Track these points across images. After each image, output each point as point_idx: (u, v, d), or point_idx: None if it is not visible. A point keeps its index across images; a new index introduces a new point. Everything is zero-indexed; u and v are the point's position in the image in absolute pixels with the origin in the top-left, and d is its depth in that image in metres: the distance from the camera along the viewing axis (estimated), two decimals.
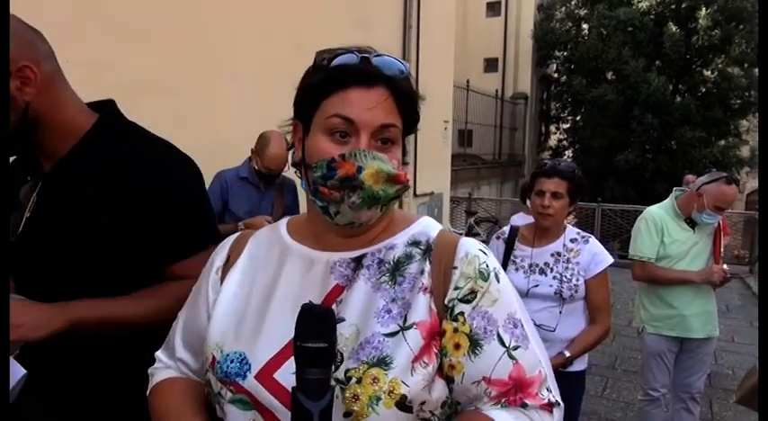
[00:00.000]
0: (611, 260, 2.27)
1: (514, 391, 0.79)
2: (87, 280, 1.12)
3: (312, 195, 0.83)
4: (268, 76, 4.10)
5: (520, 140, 16.22)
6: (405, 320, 0.80)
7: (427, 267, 0.84)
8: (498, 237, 2.45)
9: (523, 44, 16.05)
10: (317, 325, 0.68)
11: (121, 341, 1.12)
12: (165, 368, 0.96)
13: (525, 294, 2.20)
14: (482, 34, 15.88)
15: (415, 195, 7.26)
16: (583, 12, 15.57)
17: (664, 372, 2.96)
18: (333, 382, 0.75)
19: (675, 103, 14.05)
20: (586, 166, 12.69)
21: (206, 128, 3.82)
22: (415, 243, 0.88)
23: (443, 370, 0.81)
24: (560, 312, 2.21)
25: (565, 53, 15.78)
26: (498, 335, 0.80)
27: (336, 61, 0.81)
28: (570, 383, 2.08)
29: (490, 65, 16.27)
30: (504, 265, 2.29)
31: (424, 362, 0.78)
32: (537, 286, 2.24)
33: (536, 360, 0.82)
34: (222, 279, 0.92)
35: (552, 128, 17.98)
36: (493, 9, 16.29)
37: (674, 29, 13.45)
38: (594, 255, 2.25)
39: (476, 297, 0.82)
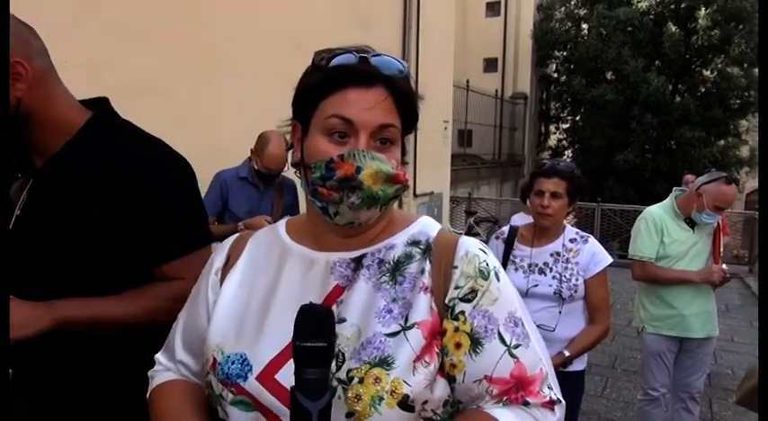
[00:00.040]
0: (610, 260, 2.28)
1: (516, 390, 0.79)
2: (78, 278, 1.11)
3: (311, 196, 0.83)
4: (268, 76, 4.10)
5: (519, 140, 16.21)
6: (406, 320, 0.80)
7: (427, 267, 0.84)
8: (497, 237, 2.45)
9: (523, 44, 16.04)
10: (315, 325, 0.68)
11: (113, 341, 1.11)
12: (164, 370, 0.96)
13: (525, 294, 2.20)
14: (482, 34, 15.87)
15: (415, 195, 7.27)
16: (582, 12, 15.53)
17: (663, 372, 2.96)
18: (335, 383, 0.76)
19: (675, 102, 14.03)
20: (586, 166, 12.69)
21: (206, 128, 3.82)
22: (415, 242, 0.87)
23: (445, 369, 0.81)
24: (560, 312, 2.21)
25: (564, 53, 15.75)
26: (499, 334, 0.80)
27: (335, 61, 0.81)
28: (570, 383, 2.07)
29: (490, 65, 16.27)
30: (504, 265, 2.30)
31: (426, 362, 0.78)
32: (536, 286, 2.24)
33: (537, 358, 0.82)
34: (222, 280, 0.92)
35: (552, 128, 17.96)
36: (492, 9, 16.28)
37: (673, 29, 13.44)
38: (594, 254, 2.25)
39: (476, 296, 0.82)
